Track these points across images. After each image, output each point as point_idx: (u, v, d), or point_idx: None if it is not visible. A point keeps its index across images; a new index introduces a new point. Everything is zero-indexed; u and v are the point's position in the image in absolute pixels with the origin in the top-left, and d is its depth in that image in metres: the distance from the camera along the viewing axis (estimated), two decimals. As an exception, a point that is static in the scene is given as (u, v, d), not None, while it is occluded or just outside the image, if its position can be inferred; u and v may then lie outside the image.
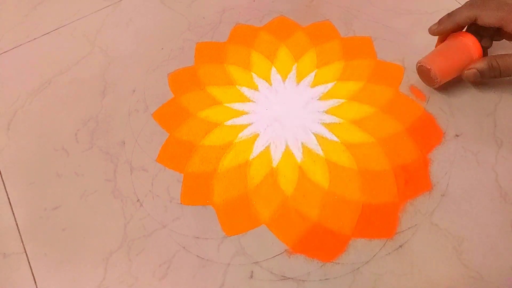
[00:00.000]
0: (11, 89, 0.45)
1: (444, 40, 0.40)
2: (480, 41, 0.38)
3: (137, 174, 0.38)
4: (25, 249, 0.35)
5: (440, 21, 0.40)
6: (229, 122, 0.41)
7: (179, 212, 0.36)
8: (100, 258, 0.34)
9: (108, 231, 0.35)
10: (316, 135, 0.39)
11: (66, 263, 0.34)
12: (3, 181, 0.39)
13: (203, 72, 0.45)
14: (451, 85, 0.42)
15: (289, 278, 0.32)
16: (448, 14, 0.39)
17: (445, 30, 0.39)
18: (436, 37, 0.41)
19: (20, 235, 0.36)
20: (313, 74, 0.44)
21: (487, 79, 0.38)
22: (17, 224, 0.36)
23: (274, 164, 0.38)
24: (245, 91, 0.43)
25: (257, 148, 0.39)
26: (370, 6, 0.50)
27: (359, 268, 0.32)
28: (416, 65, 0.40)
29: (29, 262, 0.34)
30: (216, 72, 0.45)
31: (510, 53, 0.37)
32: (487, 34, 0.39)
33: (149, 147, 0.40)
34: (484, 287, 0.31)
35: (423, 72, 0.40)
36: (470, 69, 0.38)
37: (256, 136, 0.40)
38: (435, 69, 0.38)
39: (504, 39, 0.40)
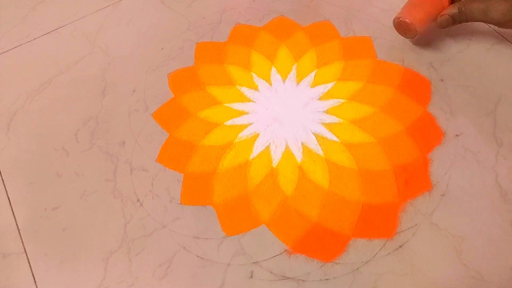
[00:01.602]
0: (11, 89, 0.45)
1: None
2: None
3: (137, 174, 0.38)
4: (25, 249, 0.35)
5: None
6: (229, 122, 0.41)
7: (179, 212, 0.36)
8: (100, 258, 0.34)
9: (108, 231, 0.35)
10: (316, 135, 0.39)
11: (66, 263, 0.34)
12: (3, 181, 0.39)
13: (203, 72, 0.45)
14: (451, 84, 0.42)
15: (289, 278, 0.32)
16: None
17: None
18: None
19: (20, 235, 0.36)
20: (313, 74, 0.44)
21: (457, 23, 0.41)
22: (17, 224, 0.36)
23: (274, 164, 0.38)
24: (245, 91, 0.43)
25: (257, 148, 0.39)
26: (370, 6, 0.50)
27: (359, 268, 0.32)
28: (394, 20, 0.43)
29: (29, 262, 0.34)
30: (216, 72, 0.45)
31: None
32: None
33: (149, 147, 0.40)
34: (484, 287, 0.31)
35: (401, 26, 0.42)
36: (442, 15, 0.41)
37: (256, 136, 0.40)
38: (414, 22, 0.41)
39: None
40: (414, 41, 0.43)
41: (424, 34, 0.45)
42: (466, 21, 0.41)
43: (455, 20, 0.41)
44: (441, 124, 0.39)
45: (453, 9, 0.40)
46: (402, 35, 0.44)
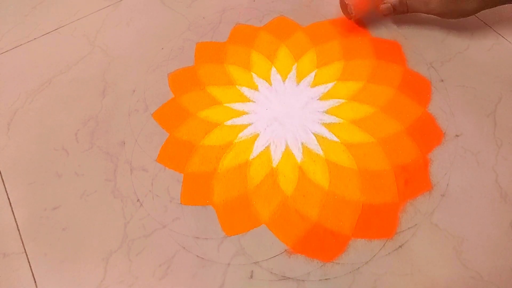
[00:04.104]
0: (11, 89, 0.45)
1: None
2: None
3: (137, 174, 0.38)
4: (25, 249, 0.35)
5: None
6: (229, 122, 0.41)
7: (179, 212, 0.36)
8: (100, 258, 0.34)
9: (108, 231, 0.35)
10: (316, 135, 0.39)
11: (66, 263, 0.34)
12: (3, 181, 0.39)
13: (203, 72, 0.45)
14: (451, 85, 0.42)
15: (289, 278, 0.32)
16: None
17: None
18: None
19: (20, 235, 0.36)
20: (313, 74, 0.44)
21: (399, 13, 0.44)
22: (17, 224, 0.36)
23: (274, 164, 0.38)
24: (245, 91, 0.43)
25: (257, 148, 0.39)
26: (370, 6, 0.50)
27: (359, 268, 0.32)
28: None
29: (29, 262, 0.34)
30: (216, 72, 0.45)
31: None
32: None
33: (149, 147, 0.40)
34: (484, 287, 0.31)
35: (342, 4, 0.45)
36: (385, 3, 0.44)
37: (256, 136, 0.40)
38: (351, 2, 0.43)
39: None
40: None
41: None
42: (408, 12, 0.43)
43: (396, 9, 0.43)
44: (441, 124, 0.39)
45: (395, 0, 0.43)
46: (344, 14, 0.46)
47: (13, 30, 0.51)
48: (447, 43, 0.45)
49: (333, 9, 0.50)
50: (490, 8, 0.41)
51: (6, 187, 0.38)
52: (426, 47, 0.45)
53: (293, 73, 0.44)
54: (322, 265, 0.32)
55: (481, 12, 0.42)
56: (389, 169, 0.37)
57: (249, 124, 0.40)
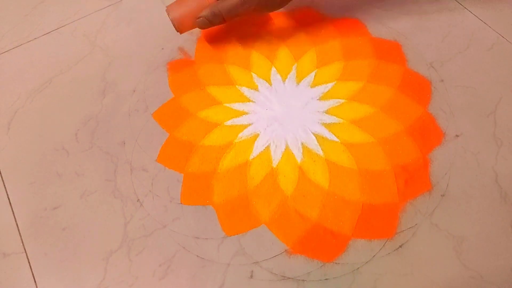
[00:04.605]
0: (11, 89, 0.45)
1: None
2: None
3: (137, 174, 0.38)
4: (25, 249, 0.35)
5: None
6: (229, 122, 0.41)
7: (179, 212, 0.36)
8: (100, 258, 0.34)
9: (108, 231, 0.35)
10: (316, 135, 0.39)
11: (66, 263, 0.34)
12: (3, 181, 0.39)
13: (203, 72, 0.45)
14: (451, 85, 0.42)
15: (289, 278, 0.32)
16: None
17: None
18: None
19: (20, 235, 0.36)
20: (313, 74, 0.44)
21: (217, 24, 0.42)
22: (17, 224, 0.36)
23: (274, 164, 0.38)
24: (245, 91, 0.43)
25: (257, 148, 0.39)
26: (370, 6, 0.50)
27: (359, 268, 0.32)
28: (167, 11, 0.42)
29: (29, 262, 0.34)
30: (216, 72, 0.45)
31: None
32: None
33: (149, 147, 0.40)
34: (484, 287, 0.31)
35: (171, 19, 0.42)
36: (199, 17, 0.41)
37: (256, 136, 0.40)
38: (175, 18, 0.41)
39: None
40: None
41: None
42: (225, 20, 0.41)
43: (212, 21, 0.41)
44: (441, 124, 0.39)
45: (207, 12, 0.41)
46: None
47: (13, 30, 0.51)
48: (447, 43, 0.45)
49: (333, 8, 0.50)
50: None
51: (6, 187, 0.38)
52: (426, 47, 0.45)
53: (293, 73, 0.44)
54: (322, 265, 0.32)
55: (481, 12, 0.42)
56: (389, 169, 0.37)
57: (249, 124, 0.40)
